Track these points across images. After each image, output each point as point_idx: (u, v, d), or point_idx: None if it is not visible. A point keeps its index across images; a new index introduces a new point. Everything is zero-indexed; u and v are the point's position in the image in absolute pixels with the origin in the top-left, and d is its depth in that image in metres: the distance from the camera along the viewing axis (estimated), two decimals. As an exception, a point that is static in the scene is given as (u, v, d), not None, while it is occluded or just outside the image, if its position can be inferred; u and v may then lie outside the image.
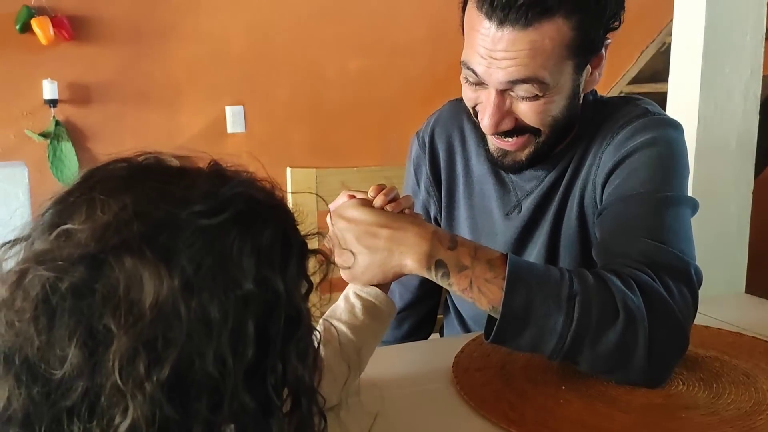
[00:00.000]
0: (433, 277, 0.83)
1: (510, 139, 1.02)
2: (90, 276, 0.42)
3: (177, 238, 0.44)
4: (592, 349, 0.80)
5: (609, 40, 1.01)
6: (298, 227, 0.52)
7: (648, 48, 3.61)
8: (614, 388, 0.85)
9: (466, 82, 1.00)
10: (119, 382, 0.41)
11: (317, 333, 0.53)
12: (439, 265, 0.83)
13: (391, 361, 1.00)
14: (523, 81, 0.93)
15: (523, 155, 1.04)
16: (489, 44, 0.92)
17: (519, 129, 1.00)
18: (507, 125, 0.99)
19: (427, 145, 1.22)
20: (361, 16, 3.34)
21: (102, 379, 0.42)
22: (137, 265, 0.42)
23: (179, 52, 3.13)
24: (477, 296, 0.82)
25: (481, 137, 1.12)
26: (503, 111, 0.97)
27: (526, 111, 0.97)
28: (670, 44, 1.89)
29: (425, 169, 1.22)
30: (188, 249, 0.44)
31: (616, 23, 0.98)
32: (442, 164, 1.21)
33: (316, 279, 0.54)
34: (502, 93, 0.96)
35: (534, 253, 1.12)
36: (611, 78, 3.55)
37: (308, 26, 3.28)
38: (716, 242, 1.81)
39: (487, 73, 0.94)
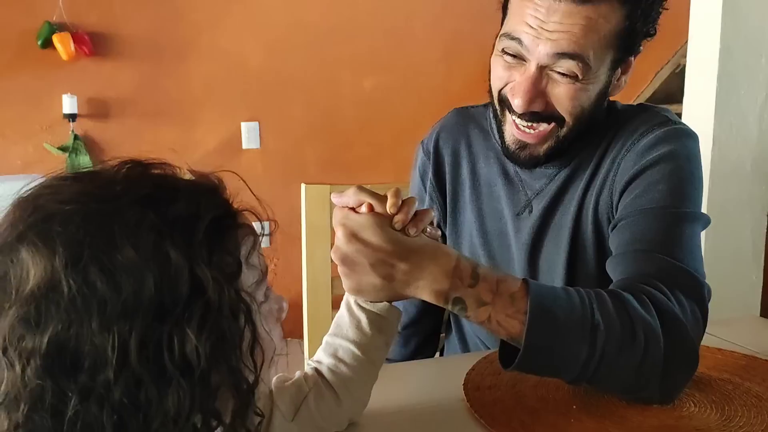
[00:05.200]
0: (450, 309, 0.80)
1: (532, 131, 1.02)
2: None
3: (64, 225, 0.48)
4: (610, 373, 0.80)
5: (641, 48, 1.02)
6: (222, 206, 0.55)
7: (663, 69, 3.61)
8: (626, 408, 0.84)
9: (502, 57, 0.99)
10: (1, 353, 0.47)
11: (252, 314, 0.54)
12: (457, 301, 0.79)
13: (402, 379, 1.00)
14: (570, 56, 0.94)
15: (541, 149, 1.04)
16: (542, 15, 0.93)
17: (547, 115, 1.00)
18: (538, 106, 0.99)
19: (431, 152, 1.22)
20: (376, 34, 3.37)
21: None
22: (27, 252, 0.48)
23: (197, 69, 3.17)
24: (495, 328, 0.80)
25: (490, 143, 1.14)
26: (538, 89, 0.97)
27: (560, 94, 0.97)
28: (685, 66, 1.89)
29: (430, 175, 1.22)
30: (76, 233, 0.48)
31: (653, 30, 1.00)
32: (447, 169, 1.21)
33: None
34: (541, 71, 0.96)
35: (553, 258, 1.10)
36: (626, 99, 3.53)
37: (324, 44, 3.31)
38: (731, 265, 1.80)
39: (534, 43, 0.95)
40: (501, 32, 1.00)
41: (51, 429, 0.46)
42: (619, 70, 1.01)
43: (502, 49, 0.99)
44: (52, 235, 0.47)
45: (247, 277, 0.55)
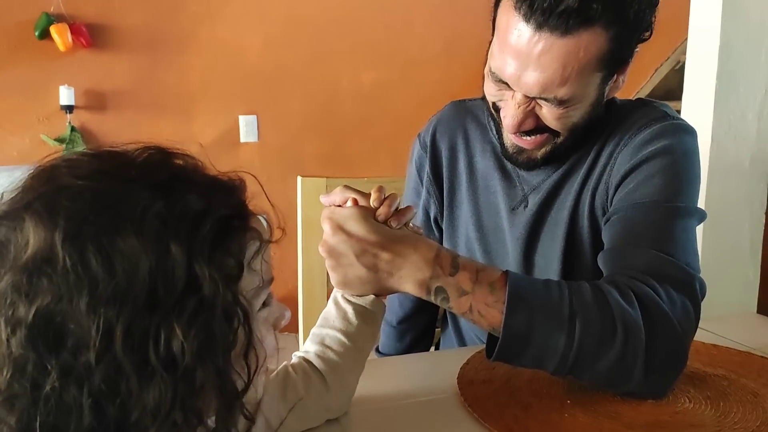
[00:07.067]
0: (433, 300, 0.82)
1: (529, 138, 1.01)
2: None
3: (71, 200, 0.47)
4: (592, 365, 0.80)
5: (637, 49, 0.99)
6: (234, 207, 0.54)
7: (662, 66, 3.61)
8: (620, 403, 0.84)
9: (490, 77, 0.98)
10: None
11: (243, 317, 0.52)
12: (439, 291, 0.81)
13: (396, 373, 1.00)
14: (554, 90, 0.92)
15: (538, 154, 1.04)
16: (523, 48, 0.89)
17: (540, 128, 0.99)
18: (529, 125, 0.98)
19: (428, 145, 1.22)
20: (375, 29, 3.36)
21: None
22: (30, 220, 0.47)
23: (195, 62, 3.16)
24: (477, 318, 0.81)
25: (487, 137, 1.14)
26: (526, 112, 0.96)
27: (548, 115, 0.97)
28: (684, 63, 1.89)
29: (427, 168, 1.22)
30: (81, 209, 0.47)
31: (648, 33, 0.96)
32: (445, 163, 1.20)
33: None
34: (528, 97, 0.95)
35: (548, 253, 1.10)
36: (625, 95, 3.52)
37: (323, 38, 3.30)
38: (729, 261, 1.80)
39: (516, 84, 0.93)
40: (489, 53, 0.98)
41: (29, 399, 0.46)
42: (614, 76, 0.98)
43: (488, 71, 0.98)
44: (58, 208, 0.47)
45: (247, 282, 0.54)
